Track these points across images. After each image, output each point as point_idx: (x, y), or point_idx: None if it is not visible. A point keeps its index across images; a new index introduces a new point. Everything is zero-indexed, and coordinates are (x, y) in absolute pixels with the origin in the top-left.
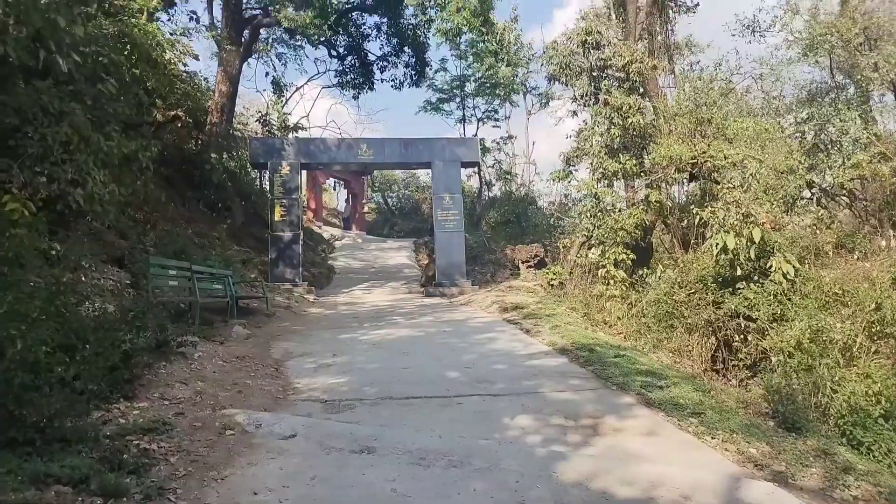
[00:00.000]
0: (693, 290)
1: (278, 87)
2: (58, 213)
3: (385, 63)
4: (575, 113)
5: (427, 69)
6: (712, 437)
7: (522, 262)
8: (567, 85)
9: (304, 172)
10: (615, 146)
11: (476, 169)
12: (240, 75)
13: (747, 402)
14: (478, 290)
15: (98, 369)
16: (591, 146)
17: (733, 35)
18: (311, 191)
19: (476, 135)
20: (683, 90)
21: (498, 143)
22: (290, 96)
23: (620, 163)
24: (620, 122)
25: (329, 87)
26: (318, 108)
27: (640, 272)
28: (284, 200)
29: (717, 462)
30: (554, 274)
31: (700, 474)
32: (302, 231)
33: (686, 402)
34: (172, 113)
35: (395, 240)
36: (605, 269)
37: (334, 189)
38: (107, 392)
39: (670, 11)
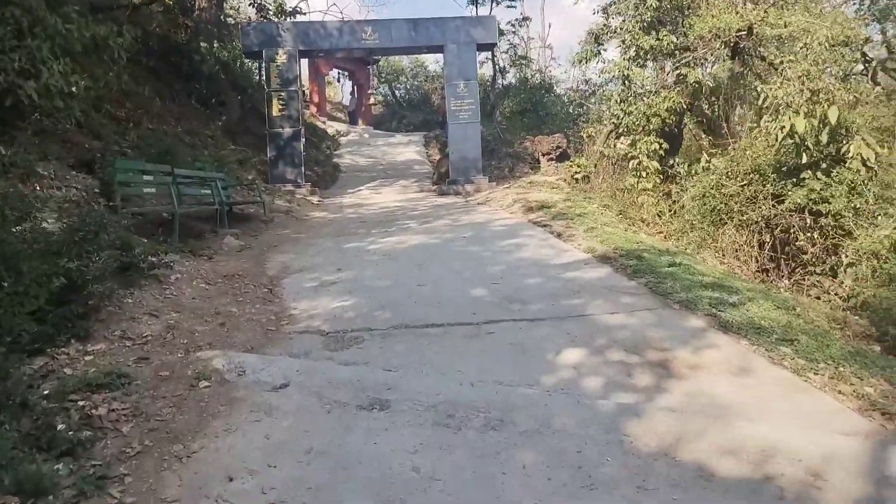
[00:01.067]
0: (746, 182)
1: None
2: (7, 109)
3: None
4: None
5: None
6: (815, 373)
7: (543, 155)
8: None
9: (303, 62)
10: (650, 20)
11: (490, 54)
12: None
13: (840, 320)
14: (495, 186)
15: (25, 308)
16: (624, 21)
17: None
18: (314, 84)
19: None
20: None
21: (513, 26)
22: None
23: (658, 38)
24: None
25: None
26: None
27: (672, 162)
28: (283, 93)
29: (835, 413)
30: (578, 167)
31: (822, 437)
32: (303, 126)
33: (770, 325)
34: None
35: (404, 134)
36: (637, 161)
37: (338, 81)
38: (51, 333)
39: None
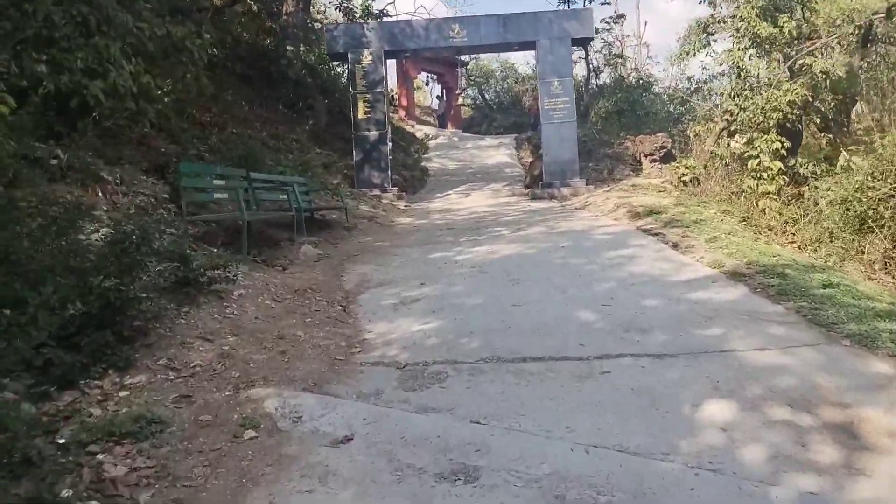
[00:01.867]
0: None
1: None
2: (73, 110)
3: None
4: None
5: None
6: None
7: (645, 156)
8: None
9: (390, 65)
10: (765, 6)
11: (583, 52)
12: None
13: None
14: (594, 190)
15: (32, 339)
16: (738, 7)
17: None
18: (402, 87)
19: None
20: None
21: (607, 23)
22: None
23: (777, 25)
24: None
25: None
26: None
27: (794, 162)
28: (368, 95)
29: None
30: (686, 168)
31: None
32: (390, 129)
33: None
34: None
35: (494, 136)
36: (757, 161)
37: (426, 84)
38: (86, 363)
39: None
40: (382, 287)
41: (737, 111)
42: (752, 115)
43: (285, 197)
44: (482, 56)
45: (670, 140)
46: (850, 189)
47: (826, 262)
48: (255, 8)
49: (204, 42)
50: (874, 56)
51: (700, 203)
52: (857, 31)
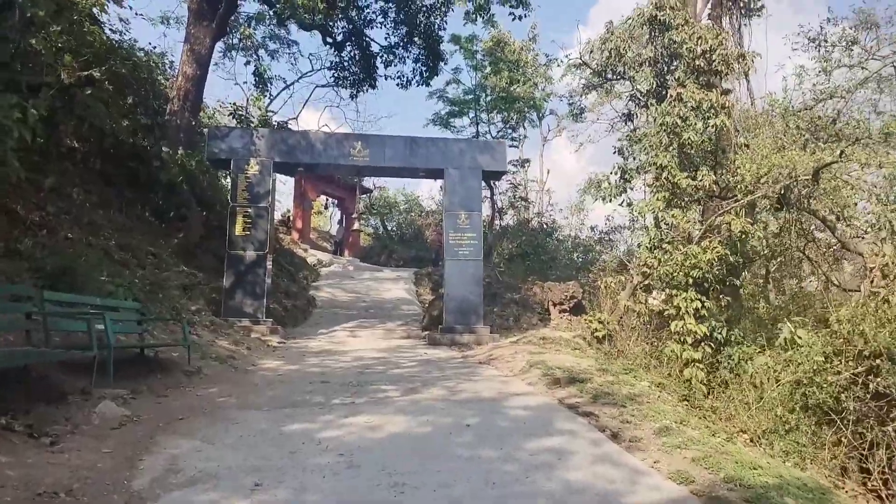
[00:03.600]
0: (864, 370)
1: (262, 79)
2: None
3: (391, 56)
4: (628, 117)
5: (441, 64)
6: None
7: (554, 305)
8: (621, 78)
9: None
10: (683, 158)
11: (489, 192)
12: (210, 57)
13: None
14: (499, 339)
15: None
16: (657, 156)
17: (794, 49)
18: (299, 208)
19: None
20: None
21: (514, 165)
22: (278, 94)
23: (695, 179)
24: (698, 125)
25: (323, 85)
26: (310, 117)
27: (725, 330)
28: (250, 209)
29: None
30: (600, 323)
31: None
32: (272, 251)
33: None
34: (86, 73)
35: (393, 269)
36: (682, 322)
37: (326, 208)
38: None
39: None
40: (194, 488)
41: (656, 264)
42: (671, 270)
43: (99, 326)
44: (387, 186)
45: (581, 290)
46: (805, 371)
47: (785, 460)
48: (129, 101)
49: (29, 118)
50: (783, 220)
51: (627, 370)
52: (775, 193)
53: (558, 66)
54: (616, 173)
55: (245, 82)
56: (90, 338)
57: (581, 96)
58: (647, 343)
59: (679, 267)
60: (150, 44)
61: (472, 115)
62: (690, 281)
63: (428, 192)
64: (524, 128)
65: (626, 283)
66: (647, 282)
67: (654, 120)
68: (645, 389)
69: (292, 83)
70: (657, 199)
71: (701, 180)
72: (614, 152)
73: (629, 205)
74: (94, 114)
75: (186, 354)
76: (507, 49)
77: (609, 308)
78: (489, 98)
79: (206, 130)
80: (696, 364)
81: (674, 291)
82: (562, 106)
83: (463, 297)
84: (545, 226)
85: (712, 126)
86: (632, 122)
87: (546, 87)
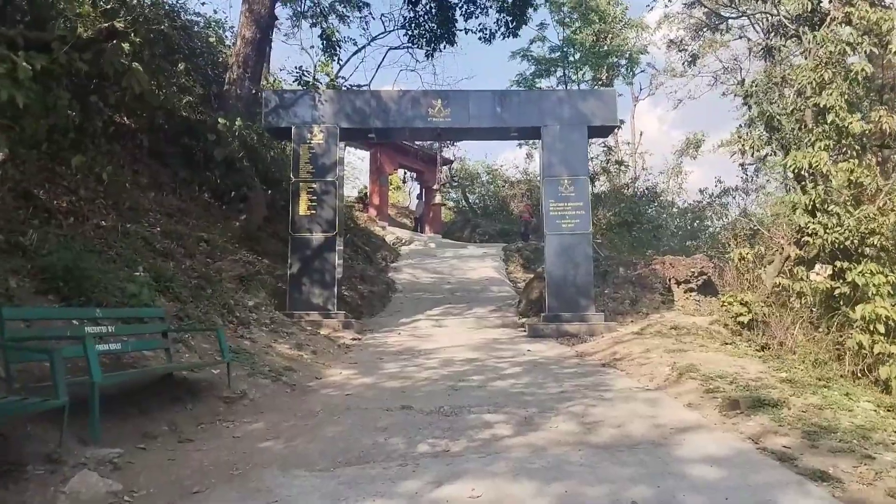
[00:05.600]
0: None
1: (330, 43)
2: None
3: (471, 6)
4: (769, 51)
5: (529, 10)
6: None
7: (678, 283)
8: (742, 15)
9: (361, 155)
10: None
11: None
12: (272, 18)
13: None
14: (616, 327)
15: None
16: (817, 95)
17: None
18: (375, 183)
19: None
20: None
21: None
22: (348, 59)
23: (871, 121)
24: (877, 51)
25: (397, 47)
26: (384, 83)
27: None
28: (315, 184)
29: None
30: (742, 305)
31: None
32: (342, 231)
33: None
34: (106, 24)
35: (478, 245)
36: (870, 305)
37: (404, 182)
38: None
39: None
40: None
41: (821, 231)
42: (842, 238)
43: (111, 345)
44: (468, 157)
45: (711, 265)
46: None
47: None
48: (180, 68)
49: (20, 74)
50: None
51: (822, 379)
52: None
53: (651, 9)
54: (752, 124)
55: (312, 47)
56: (54, 380)
57: (693, 39)
58: (814, 329)
59: (853, 233)
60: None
61: (559, 73)
62: (868, 252)
63: (512, 159)
64: (625, 74)
65: (774, 256)
66: (802, 253)
67: (808, 52)
68: (874, 417)
69: (363, 46)
70: (819, 149)
71: (878, 123)
72: (743, 103)
73: (785, 161)
74: (134, 78)
75: (226, 373)
76: (592, 1)
77: (747, 286)
78: (578, 55)
79: (263, 96)
80: (895, 360)
81: (846, 264)
82: (658, 60)
83: (568, 277)
84: (647, 191)
85: (893, 52)
86: (772, 57)
87: (638, 39)
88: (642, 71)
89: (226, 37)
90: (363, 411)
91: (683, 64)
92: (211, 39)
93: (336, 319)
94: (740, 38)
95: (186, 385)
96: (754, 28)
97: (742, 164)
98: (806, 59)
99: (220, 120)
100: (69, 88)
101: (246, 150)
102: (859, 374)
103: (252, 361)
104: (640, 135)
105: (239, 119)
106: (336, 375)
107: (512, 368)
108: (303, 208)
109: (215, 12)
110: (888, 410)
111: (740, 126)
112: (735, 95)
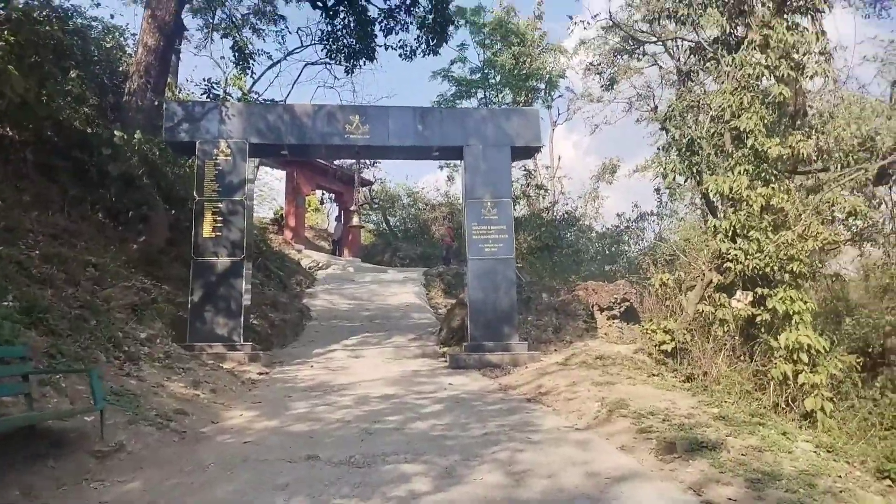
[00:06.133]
0: None
1: (242, 55)
2: None
3: (392, 22)
4: (687, 75)
5: (450, 28)
6: None
7: (601, 310)
8: (658, 41)
9: (276, 174)
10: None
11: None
12: (178, 25)
13: None
14: (541, 357)
15: None
16: (737, 118)
17: None
18: (292, 204)
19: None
20: None
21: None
22: (262, 74)
23: (787, 145)
24: (791, 74)
25: (314, 63)
26: (300, 100)
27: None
28: (220, 204)
29: None
30: (665, 333)
31: None
32: (251, 255)
33: None
34: None
35: (399, 269)
36: (793, 333)
37: (322, 204)
38: None
39: None
40: None
41: (741, 257)
42: (762, 264)
43: None
44: (388, 178)
45: (633, 291)
46: None
47: None
48: (73, 75)
49: None
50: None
51: (754, 415)
52: (874, 163)
53: (572, 32)
54: (668, 148)
55: (223, 58)
56: None
57: (610, 62)
58: (737, 360)
59: (773, 259)
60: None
61: (480, 95)
62: (786, 277)
63: (433, 182)
64: (545, 98)
65: (694, 281)
66: (719, 280)
67: (727, 75)
68: (815, 459)
69: (279, 61)
70: (739, 174)
71: (795, 147)
72: (660, 128)
73: (698, 183)
74: (8, 83)
75: (100, 423)
76: (512, 24)
77: (668, 312)
78: (498, 77)
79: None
80: (821, 389)
81: (766, 291)
82: (575, 85)
83: (491, 303)
84: (566, 215)
85: (810, 77)
86: (691, 81)
87: (556, 63)
88: (560, 96)
89: (127, 45)
90: (263, 464)
91: (602, 87)
92: (108, 45)
93: (242, 352)
94: (654, 65)
95: (51, 437)
96: (669, 54)
97: (658, 189)
98: (722, 84)
99: (116, 133)
100: None
101: (147, 167)
102: (783, 406)
103: (136, 405)
104: (559, 159)
105: (139, 133)
106: (236, 418)
107: (432, 406)
108: (207, 230)
109: (112, 17)
110: (828, 451)
111: (658, 150)
112: (651, 121)
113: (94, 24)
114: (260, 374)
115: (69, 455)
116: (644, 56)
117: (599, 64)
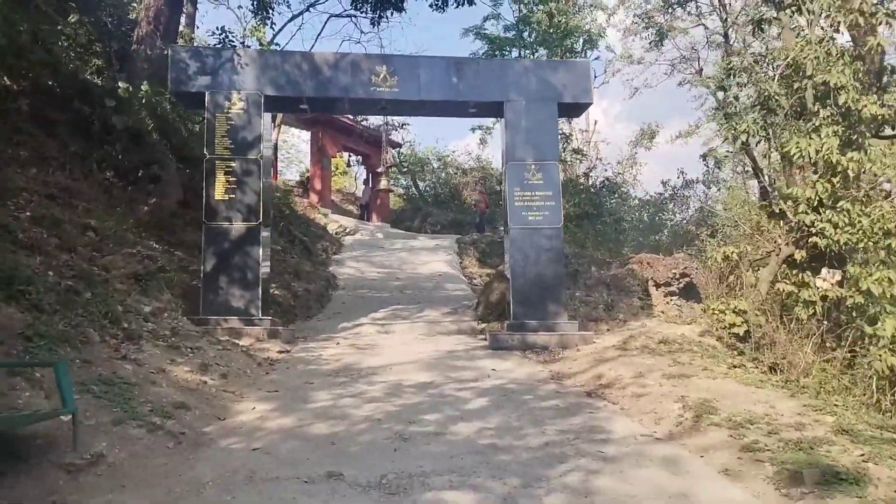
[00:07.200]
0: None
1: (261, 3)
2: None
3: None
4: (758, 24)
5: None
6: None
7: (657, 286)
8: None
9: (301, 135)
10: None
11: None
12: None
13: None
14: (593, 339)
15: None
16: (827, 73)
17: None
18: (317, 166)
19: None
20: None
21: None
22: (283, 26)
23: (886, 104)
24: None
25: (339, 15)
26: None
27: None
28: (234, 163)
29: None
30: (735, 314)
31: None
32: (269, 220)
33: None
34: None
35: (430, 236)
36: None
37: (349, 166)
38: None
39: None
40: None
41: (830, 230)
42: (855, 239)
43: None
44: (417, 142)
45: (693, 265)
46: None
47: None
48: (71, 19)
49: None
50: None
51: (884, 427)
52: None
53: None
54: (727, 109)
55: (240, 7)
56: None
57: (655, 19)
58: (826, 349)
59: (867, 235)
60: None
61: (514, 54)
62: (882, 254)
63: (464, 146)
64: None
65: (770, 256)
66: (801, 255)
67: (808, 22)
68: None
69: (301, 12)
70: (827, 136)
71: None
72: (718, 87)
73: (782, 149)
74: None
75: (72, 429)
76: None
77: (727, 290)
78: (533, 35)
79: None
80: None
81: (860, 270)
82: (614, 46)
83: (536, 278)
84: (606, 181)
85: None
86: (761, 31)
87: (593, 23)
88: (597, 57)
89: None
90: (272, 484)
91: (647, 45)
92: None
93: (260, 327)
94: (699, 24)
95: (9, 446)
96: (723, 5)
97: (703, 156)
98: (802, 34)
99: (120, 84)
100: None
101: (156, 121)
102: (889, 406)
103: (127, 398)
104: (595, 123)
105: (145, 84)
106: (247, 413)
107: (476, 400)
108: (219, 192)
109: None
110: None
111: (717, 110)
112: (695, 84)
113: None
114: (280, 352)
115: (34, 470)
116: (689, 16)
117: (651, 17)
